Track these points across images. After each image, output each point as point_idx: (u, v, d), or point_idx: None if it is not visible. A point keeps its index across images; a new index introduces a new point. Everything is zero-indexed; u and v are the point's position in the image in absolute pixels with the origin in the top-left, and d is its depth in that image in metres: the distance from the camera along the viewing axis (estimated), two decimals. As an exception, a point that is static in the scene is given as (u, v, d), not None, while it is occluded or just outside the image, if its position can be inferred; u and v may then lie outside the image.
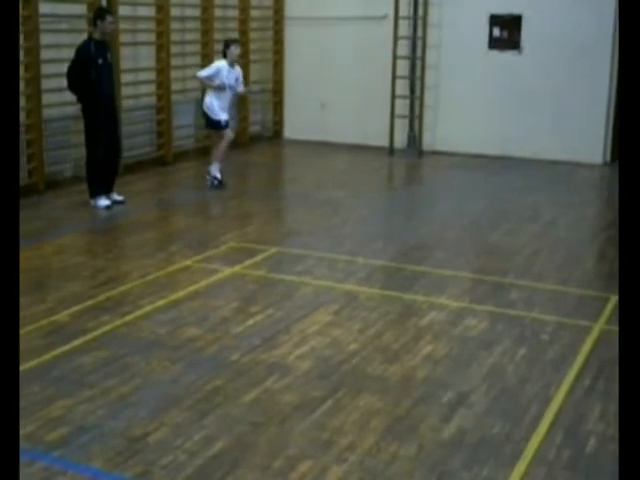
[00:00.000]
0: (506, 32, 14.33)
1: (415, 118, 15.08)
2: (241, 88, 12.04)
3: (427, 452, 4.83)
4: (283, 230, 10.08)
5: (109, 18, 10.34)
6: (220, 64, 11.73)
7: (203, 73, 11.81)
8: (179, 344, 6.33)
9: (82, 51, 10.23)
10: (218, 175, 11.81)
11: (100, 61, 10.22)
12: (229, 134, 11.94)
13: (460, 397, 5.53)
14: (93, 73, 10.14)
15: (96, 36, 10.32)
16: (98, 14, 10.42)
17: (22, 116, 10.99)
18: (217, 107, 11.71)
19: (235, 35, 14.45)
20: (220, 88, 11.63)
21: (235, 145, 12.33)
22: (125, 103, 10.93)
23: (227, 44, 11.83)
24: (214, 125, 11.93)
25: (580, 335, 6.58)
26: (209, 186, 11.82)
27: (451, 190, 12.36)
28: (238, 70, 11.93)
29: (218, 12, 14.60)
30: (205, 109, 11.88)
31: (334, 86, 15.61)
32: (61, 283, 7.70)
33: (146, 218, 10.29)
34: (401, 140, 15.18)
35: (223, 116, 11.79)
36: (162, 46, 13.16)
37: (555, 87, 14.07)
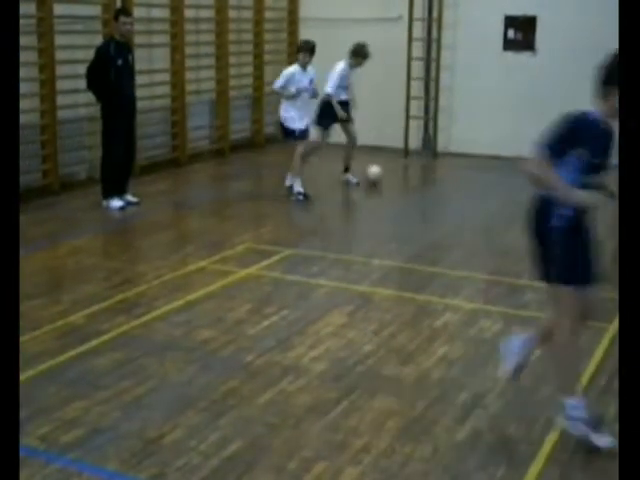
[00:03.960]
0: (521, 33, 14.30)
1: (430, 119, 15.07)
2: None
3: (442, 453, 4.83)
4: (298, 231, 10.09)
5: (122, 19, 10.35)
6: (291, 69, 11.38)
7: (277, 84, 11.33)
8: (194, 345, 6.35)
9: (101, 51, 10.29)
10: (300, 189, 11.24)
11: (120, 62, 10.25)
12: (300, 147, 11.34)
13: (475, 398, 5.52)
14: (112, 73, 10.17)
15: (116, 36, 10.37)
16: (115, 14, 10.49)
17: (36, 117, 11.04)
18: (295, 115, 11.26)
19: (249, 36, 14.48)
20: (294, 96, 11.19)
21: (250, 146, 12.32)
22: (140, 104, 10.95)
23: (298, 49, 11.54)
24: (288, 135, 11.46)
25: (595, 336, 6.54)
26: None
27: (466, 191, 12.34)
28: (311, 72, 11.44)
29: (232, 13, 14.61)
30: (280, 119, 11.43)
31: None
32: (76, 284, 7.73)
33: (161, 219, 10.31)
34: (416, 141, 15.15)
35: (298, 125, 11.29)
36: (177, 48, 13.18)
37: (570, 88, 13.91)
